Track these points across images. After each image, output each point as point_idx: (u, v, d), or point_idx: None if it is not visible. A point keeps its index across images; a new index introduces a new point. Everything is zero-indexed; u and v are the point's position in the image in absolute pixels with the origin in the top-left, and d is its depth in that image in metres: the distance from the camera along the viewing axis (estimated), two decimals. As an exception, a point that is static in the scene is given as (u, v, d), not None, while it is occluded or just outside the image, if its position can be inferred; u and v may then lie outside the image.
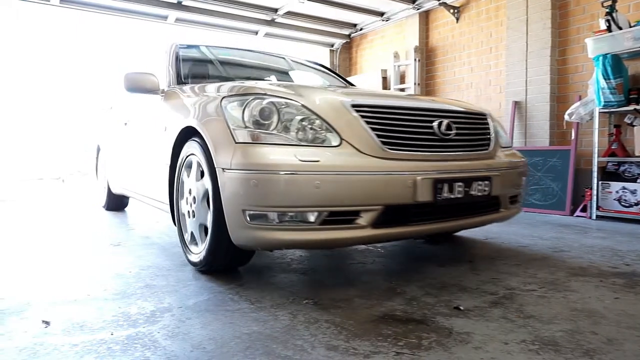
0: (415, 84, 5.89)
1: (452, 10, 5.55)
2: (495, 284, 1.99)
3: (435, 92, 5.88)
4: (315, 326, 1.48)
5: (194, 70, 3.10)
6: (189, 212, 2.25)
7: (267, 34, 6.40)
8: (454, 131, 2.14)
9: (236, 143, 1.85)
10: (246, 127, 1.87)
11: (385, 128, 1.95)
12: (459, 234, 3.20)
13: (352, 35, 7.01)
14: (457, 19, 5.58)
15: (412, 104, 2.14)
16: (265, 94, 1.94)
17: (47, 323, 1.51)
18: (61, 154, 20.12)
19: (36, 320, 1.54)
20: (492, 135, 2.43)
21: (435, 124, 2.09)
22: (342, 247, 2.71)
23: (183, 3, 5.54)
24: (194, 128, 2.13)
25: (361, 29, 6.84)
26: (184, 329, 1.45)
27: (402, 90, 6.16)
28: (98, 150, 4.72)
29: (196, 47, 3.35)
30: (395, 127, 1.99)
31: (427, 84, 5.99)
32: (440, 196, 1.97)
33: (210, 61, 3.34)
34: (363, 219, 1.83)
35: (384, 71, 6.36)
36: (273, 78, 3.49)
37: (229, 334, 1.42)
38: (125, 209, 4.65)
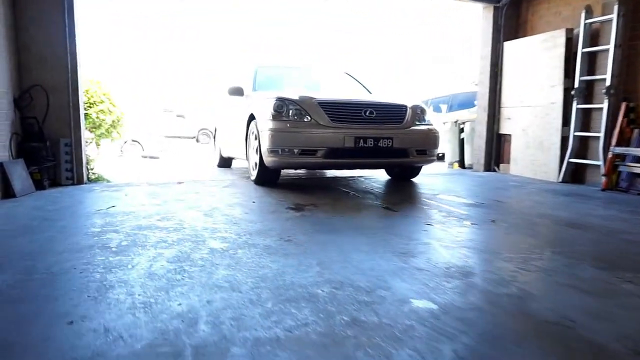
0: (615, 46, 4.68)
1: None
2: None
3: (644, 56, 4.61)
4: None
5: (265, 80, 5.37)
6: (251, 156, 4.61)
7: (425, -9, 5.59)
8: (375, 114, 4.19)
9: (266, 119, 4.11)
10: (271, 112, 4.09)
11: (333, 112, 4.10)
12: None
13: (527, -14, 5.86)
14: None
15: (352, 100, 4.43)
16: (280, 98, 4.14)
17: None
18: (197, 118, 21.74)
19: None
20: (408, 116, 4.36)
21: (363, 110, 4.17)
22: (311, 168, 5.53)
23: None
24: (253, 114, 4.48)
25: (538, -21, 5.67)
26: None
27: (595, 54, 4.99)
28: (215, 130, 7.19)
29: (269, 67, 5.90)
30: (338, 111, 4.12)
31: (630, 45, 4.73)
32: (359, 145, 4.02)
33: (274, 75, 5.71)
34: (319, 153, 4.02)
35: (569, 31, 5.19)
36: (321, 83, 5.95)
37: None
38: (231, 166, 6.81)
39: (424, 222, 3.10)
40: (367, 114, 4.15)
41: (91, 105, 8.07)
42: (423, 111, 4.54)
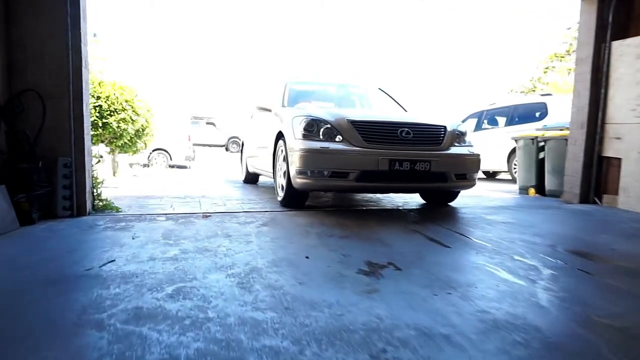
0: None
1: None
2: None
3: None
4: None
5: (295, 97, 5.28)
6: (279, 175, 4.37)
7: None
8: (411, 135, 3.90)
9: (295, 139, 3.91)
10: (301, 132, 3.89)
11: (366, 132, 3.85)
12: None
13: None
14: None
15: (387, 120, 4.18)
16: (311, 116, 3.99)
17: None
18: (227, 126, 21.25)
19: None
20: (446, 137, 4.06)
21: (399, 130, 3.89)
22: (341, 192, 5.11)
23: None
24: (281, 132, 4.25)
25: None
26: None
27: None
28: (242, 144, 7.18)
29: (299, 82, 5.78)
30: (372, 131, 3.87)
31: None
32: (394, 168, 3.73)
33: (307, 91, 5.65)
34: (350, 176, 3.73)
35: None
36: (355, 100, 5.89)
37: None
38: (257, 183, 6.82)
39: (593, 317, 1.95)
40: (403, 134, 3.89)
41: (112, 114, 7.23)
42: (463, 132, 4.28)
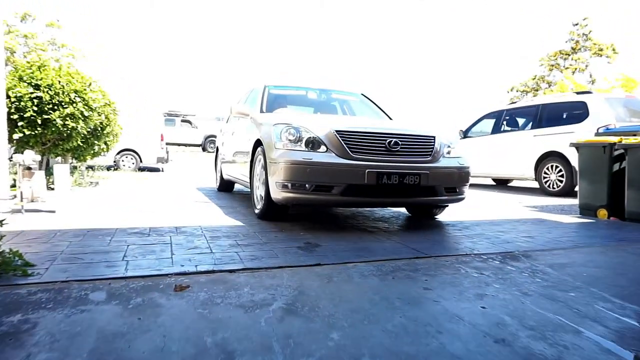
0: None
1: None
2: None
3: None
4: None
5: (274, 102, 5.20)
6: (257, 186, 4.24)
7: None
8: (400, 146, 3.72)
9: (276, 148, 3.70)
10: (282, 141, 3.70)
11: (352, 142, 3.63)
12: None
13: None
14: None
15: (374, 130, 3.81)
16: (292, 124, 3.76)
17: None
18: (204, 124, 19.46)
19: None
20: (436, 148, 3.92)
21: (387, 141, 3.69)
22: (325, 206, 4.92)
23: None
24: (260, 139, 4.05)
25: None
26: None
27: None
28: (217, 149, 7.12)
29: (279, 87, 5.62)
30: (359, 142, 3.65)
31: None
32: (381, 182, 3.52)
33: (287, 95, 5.68)
34: (335, 190, 3.51)
35: None
36: (337, 107, 5.80)
37: None
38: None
39: None
40: (391, 145, 3.72)
41: (55, 107, 5.49)
42: (453, 143, 4.20)
